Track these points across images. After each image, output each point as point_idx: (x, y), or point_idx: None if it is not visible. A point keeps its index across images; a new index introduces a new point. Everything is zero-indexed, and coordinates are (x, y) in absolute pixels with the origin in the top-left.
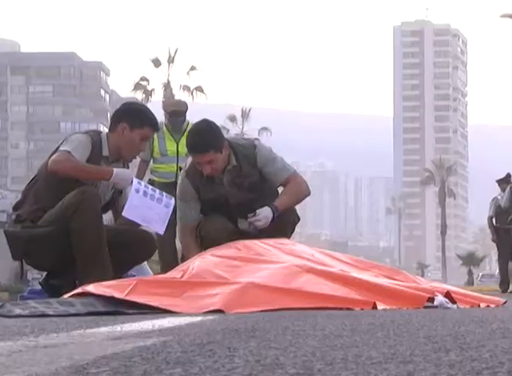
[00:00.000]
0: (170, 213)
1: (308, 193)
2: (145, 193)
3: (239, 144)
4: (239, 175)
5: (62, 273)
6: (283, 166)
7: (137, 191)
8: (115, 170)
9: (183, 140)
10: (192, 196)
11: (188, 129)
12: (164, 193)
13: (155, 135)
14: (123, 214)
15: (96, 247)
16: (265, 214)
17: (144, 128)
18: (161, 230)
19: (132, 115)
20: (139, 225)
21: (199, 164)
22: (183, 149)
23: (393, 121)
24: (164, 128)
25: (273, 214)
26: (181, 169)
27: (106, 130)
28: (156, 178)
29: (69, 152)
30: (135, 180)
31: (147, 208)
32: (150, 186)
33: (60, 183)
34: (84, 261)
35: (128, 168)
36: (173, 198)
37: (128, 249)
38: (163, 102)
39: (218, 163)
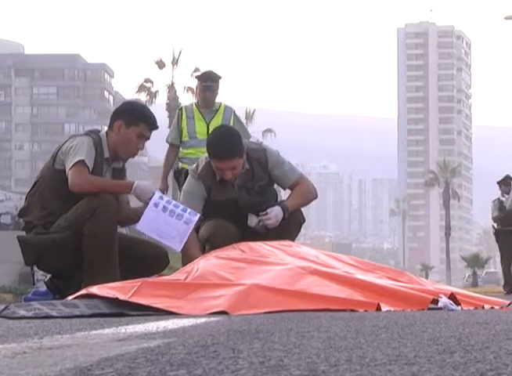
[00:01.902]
0: (190, 230)
1: (316, 196)
2: (164, 208)
3: (250, 148)
4: (251, 178)
5: (67, 274)
6: (291, 169)
7: (156, 205)
8: (136, 182)
9: (214, 121)
10: (200, 195)
11: (218, 112)
12: (188, 210)
13: (183, 115)
14: (137, 227)
15: (107, 251)
16: (275, 213)
17: (140, 125)
18: (178, 247)
19: (128, 112)
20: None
21: (221, 169)
22: None
23: (397, 123)
24: (194, 106)
25: (283, 213)
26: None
27: (105, 128)
28: (185, 166)
29: (83, 161)
30: (157, 194)
31: (164, 224)
32: (173, 202)
33: (66, 186)
34: (94, 264)
35: (124, 166)
36: (197, 215)
37: (140, 261)
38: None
39: (238, 168)
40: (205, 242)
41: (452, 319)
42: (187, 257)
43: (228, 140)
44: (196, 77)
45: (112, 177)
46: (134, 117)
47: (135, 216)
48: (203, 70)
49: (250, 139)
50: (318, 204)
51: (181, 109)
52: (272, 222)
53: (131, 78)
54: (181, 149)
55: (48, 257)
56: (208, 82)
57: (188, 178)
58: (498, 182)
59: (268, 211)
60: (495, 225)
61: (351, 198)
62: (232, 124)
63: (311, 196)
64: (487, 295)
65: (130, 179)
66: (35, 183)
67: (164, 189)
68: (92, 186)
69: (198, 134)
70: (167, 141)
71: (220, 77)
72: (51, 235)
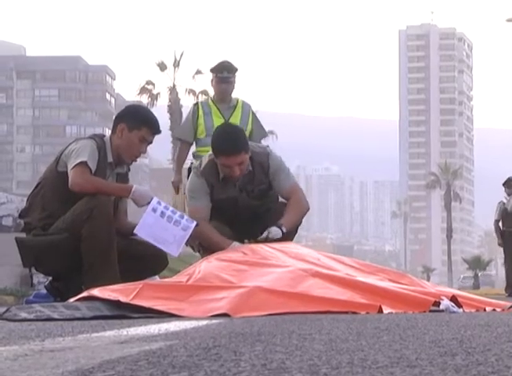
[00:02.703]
0: (187, 236)
1: (308, 209)
2: (162, 214)
3: (254, 151)
4: (251, 181)
5: (67, 277)
6: (286, 177)
7: (154, 211)
8: (134, 187)
9: (234, 119)
10: (204, 191)
11: (236, 108)
12: (185, 216)
13: (200, 111)
14: (134, 231)
15: (106, 252)
16: (276, 233)
17: (142, 128)
18: (175, 252)
19: (131, 116)
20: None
21: (228, 166)
22: None
23: (398, 125)
24: (210, 101)
25: (282, 233)
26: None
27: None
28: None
29: (85, 163)
30: (155, 199)
31: (162, 229)
32: (171, 208)
33: (68, 188)
34: (93, 266)
35: (129, 170)
36: (194, 222)
37: (140, 261)
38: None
39: (245, 164)
40: (199, 245)
41: (453, 322)
42: (210, 243)
43: (233, 136)
44: (210, 70)
45: (116, 182)
46: (136, 121)
47: (130, 229)
48: (204, 72)
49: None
50: (319, 206)
51: (196, 104)
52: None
53: (133, 80)
54: (196, 146)
55: (47, 259)
56: (224, 73)
57: (191, 176)
58: (503, 184)
59: (270, 230)
60: (501, 226)
61: (353, 200)
62: (250, 121)
63: (303, 211)
64: (488, 297)
65: (130, 184)
66: (38, 184)
67: (178, 182)
68: (92, 187)
69: None
70: (178, 138)
71: (236, 69)
72: (49, 236)
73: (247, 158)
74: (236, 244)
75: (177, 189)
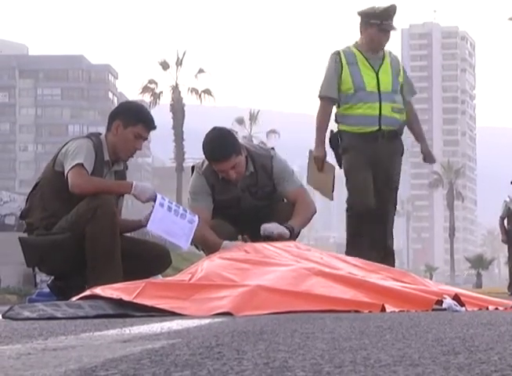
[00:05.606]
0: (194, 229)
1: (315, 211)
2: (169, 208)
3: (257, 153)
4: (254, 184)
5: (70, 276)
6: (292, 179)
7: (161, 205)
8: (134, 183)
9: (383, 71)
10: (205, 192)
11: (385, 59)
12: (188, 211)
13: (345, 64)
14: (147, 227)
15: (109, 252)
16: (274, 228)
17: (137, 125)
18: (185, 245)
19: (126, 113)
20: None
21: (223, 171)
22: (387, 83)
23: None
24: (355, 49)
25: (290, 233)
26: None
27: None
28: (345, 128)
29: (82, 165)
30: (159, 195)
31: (171, 223)
32: (174, 202)
33: (66, 187)
34: (96, 265)
35: (126, 168)
36: (197, 216)
37: (143, 261)
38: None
39: (240, 166)
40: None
41: (456, 320)
42: (209, 246)
43: (220, 141)
44: (367, 14)
45: (115, 180)
46: (131, 118)
47: (123, 227)
48: (207, 70)
49: (253, 139)
50: (322, 205)
51: (338, 53)
52: (276, 232)
53: (136, 79)
54: (341, 106)
55: (50, 258)
56: (389, 20)
57: (193, 176)
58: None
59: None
60: (506, 225)
61: None
62: (401, 76)
63: (311, 214)
64: (491, 296)
65: (129, 180)
66: (36, 184)
67: (323, 157)
68: (93, 187)
69: (368, 85)
70: (321, 96)
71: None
72: (52, 236)
73: (241, 159)
74: (226, 242)
75: (321, 165)
